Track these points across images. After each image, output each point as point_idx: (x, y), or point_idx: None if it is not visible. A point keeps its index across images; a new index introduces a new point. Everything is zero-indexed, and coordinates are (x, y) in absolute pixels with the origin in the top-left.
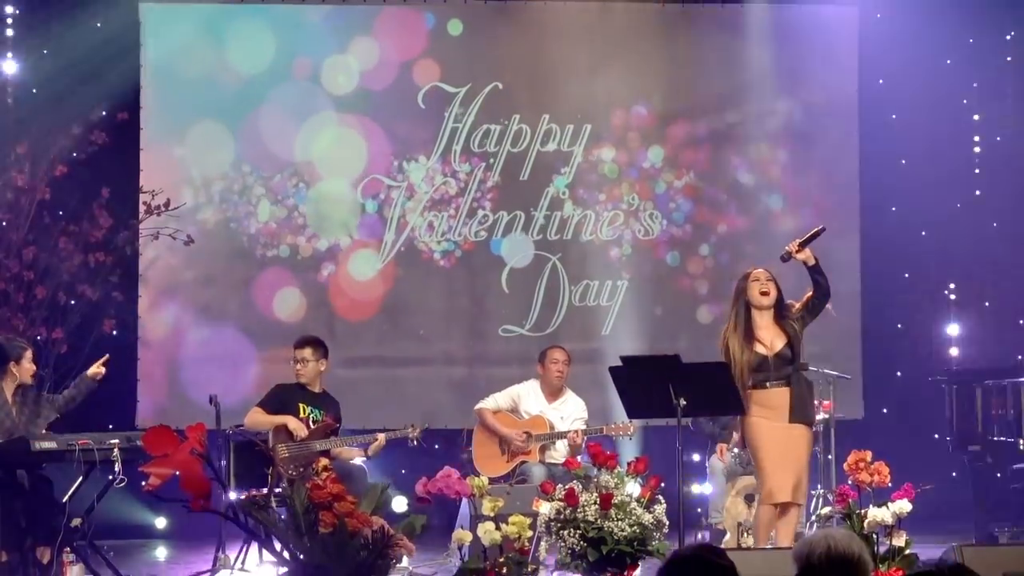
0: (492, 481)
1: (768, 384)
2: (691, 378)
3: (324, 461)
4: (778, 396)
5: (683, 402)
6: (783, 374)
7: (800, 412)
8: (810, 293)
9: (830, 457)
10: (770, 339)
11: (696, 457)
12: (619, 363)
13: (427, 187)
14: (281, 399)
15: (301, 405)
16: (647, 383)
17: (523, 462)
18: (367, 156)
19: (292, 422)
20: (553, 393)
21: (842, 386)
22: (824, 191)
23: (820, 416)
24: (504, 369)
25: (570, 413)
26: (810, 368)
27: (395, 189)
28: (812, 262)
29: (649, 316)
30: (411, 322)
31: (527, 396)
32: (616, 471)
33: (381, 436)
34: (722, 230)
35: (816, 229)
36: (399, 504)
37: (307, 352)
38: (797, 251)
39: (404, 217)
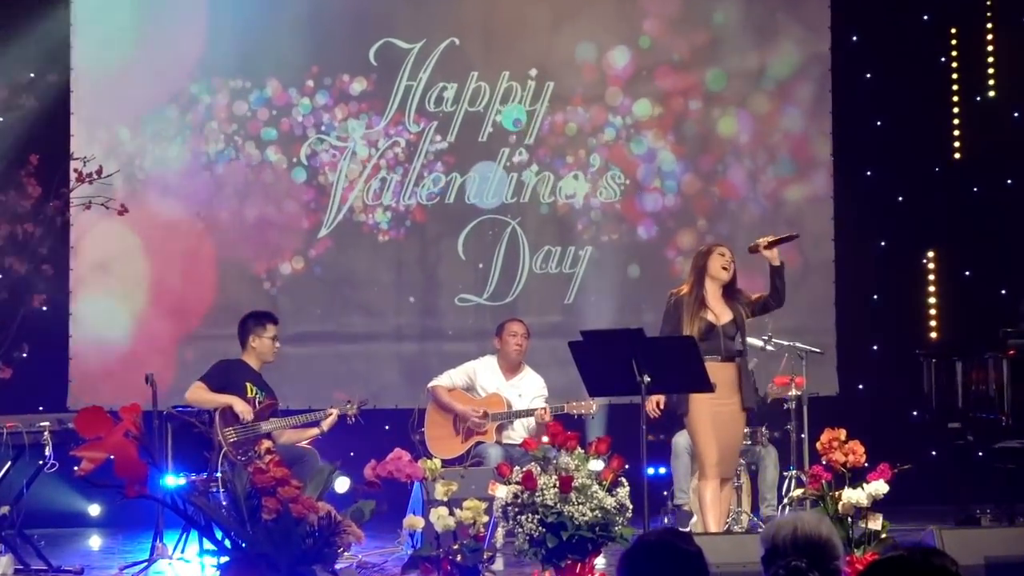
0: (445, 463)
1: (712, 357)
2: (656, 353)
3: (267, 443)
4: (722, 371)
5: (647, 379)
6: (729, 350)
7: (750, 398)
8: (764, 294)
9: (803, 436)
10: (719, 311)
11: (662, 436)
12: (580, 338)
13: (376, 149)
14: (227, 377)
15: (248, 385)
16: (609, 359)
17: (478, 443)
18: (313, 118)
19: (239, 404)
20: (511, 368)
21: (815, 361)
22: (794, 154)
23: (792, 392)
24: (458, 344)
25: (529, 390)
26: (781, 342)
27: (342, 151)
28: (777, 263)
29: (615, 286)
30: (358, 295)
31: (483, 372)
32: (577, 452)
33: (333, 410)
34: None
35: (790, 233)
36: (341, 485)
37: (278, 329)
38: (766, 247)
39: (350, 181)
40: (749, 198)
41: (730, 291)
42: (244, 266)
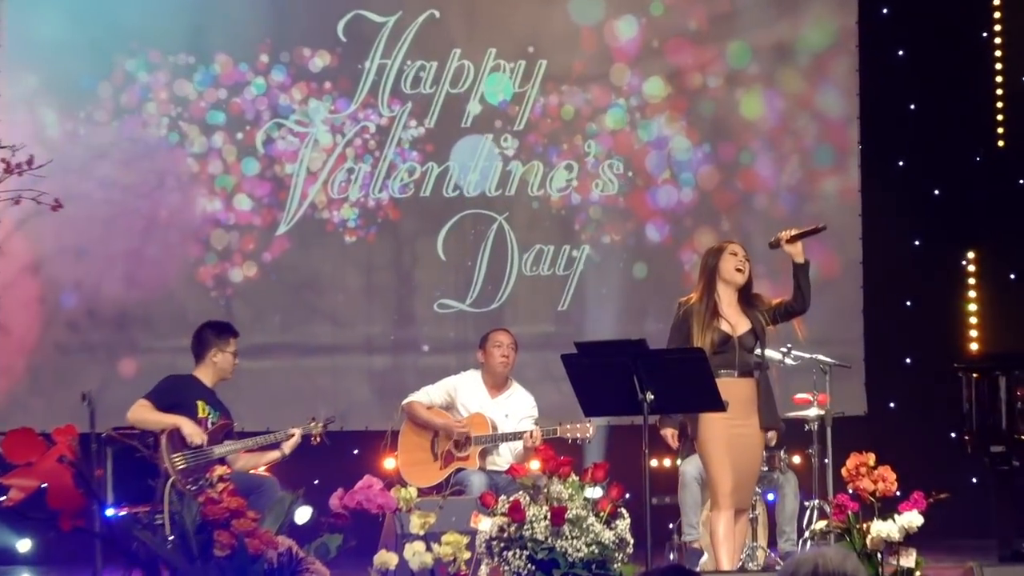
0: (422, 492)
1: (727, 371)
2: (660, 367)
3: (221, 469)
4: (739, 388)
5: (650, 396)
6: (746, 363)
7: (771, 417)
8: (785, 299)
9: (826, 461)
10: (734, 320)
11: (666, 462)
12: (574, 350)
13: (343, 136)
14: (177, 394)
15: (200, 404)
16: (607, 374)
17: (459, 469)
18: (268, 99)
19: (188, 425)
20: (497, 385)
21: (840, 376)
22: (826, 141)
23: (814, 412)
24: (437, 357)
25: (517, 410)
26: (802, 355)
27: (302, 138)
28: (801, 260)
29: (617, 292)
30: (322, 303)
31: (465, 389)
32: (570, 480)
33: (296, 430)
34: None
35: (815, 225)
36: (303, 515)
37: (236, 343)
38: (788, 242)
39: (312, 173)
40: (777, 192)
41: (746, 296)
42: (190, 269)
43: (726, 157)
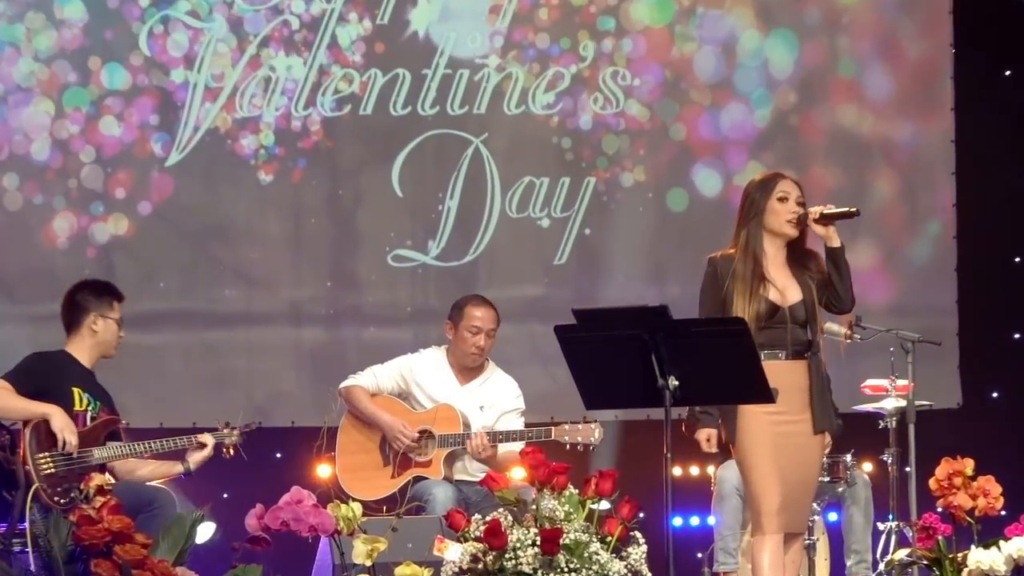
0: (369, 509)
1: (774, 352)
2: (688, 344)
3: (99, 478)
4: (789, 374)
5: (674, 383)
6: (799, 341)
7: (825, 417)
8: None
9: (908, 469)
10: (783, 284)
11: (694, 470)
12: (571, 320)
13: (254, 32)
14: (46, 377)
15: (76, 391)
16: (617, 353)
17: (418, 478)
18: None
19: (58, 418)
20: (468, 369)
21: (927, 356)
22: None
23: (892, 403)
24: (388, 329)
25: (496, 400)
26: (874, 328)
27: (197, 36)
28: (835, 243)
29: (636, 241)
30: (232, 257)
31: (426, 372)
32: (567, 493)
33: (207, 437)
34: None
35: (848, 208)
36: (204, 532)
37: (121, 308)
38: (817, 221)
39: (213, 84)
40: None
41: (798, 253)
42: (45, 215)
43: (814, 59)
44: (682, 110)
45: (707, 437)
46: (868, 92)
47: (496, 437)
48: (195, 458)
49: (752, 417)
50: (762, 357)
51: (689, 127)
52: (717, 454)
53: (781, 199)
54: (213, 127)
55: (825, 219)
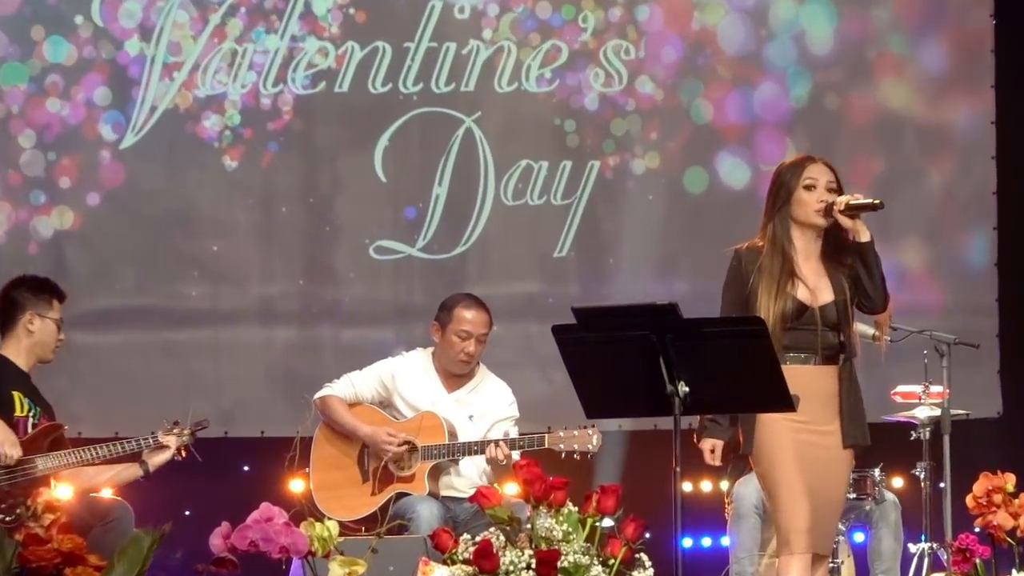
0: (346, 528)
1: (803, 356)
2: (699, 346)
3: (49, 493)
4: (818, 381)
5: (684, 389)
6: (830, 345)
7: (856, 430)
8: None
9: (942, 485)
10: (814, 282)
11: (706, 485)
12: (571, 319)
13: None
14: None
15: (17, 396)
16: (621, 355)
17: (401, 494)
18: None
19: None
20: (455, 376)
21: (964, 359)
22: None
23: (925, 412)
24: (368, 330)
25: (487, 409)
26: (906, 328)
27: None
28: (864, 238)
29: (647, 232)
30: (195, 250)
31: (409, 377)
32: (566, 510)
33: (170, 439)
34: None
35: (873, 200)
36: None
37: (61, 308)
38: (843, 212)
39: (176, 59)
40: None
41: (837, 245)
42: None
43: (855, 31)
44: (706, 88)
45: (711, 448)
46: (915, 68)
47: (483, 446)
48: (155, 459)
49: (774, 427)
50: (787, 361)
51: (715, 107)
52: (724, 467)
53: (808, 187)
54: (172, 106)
55: (850, 210)
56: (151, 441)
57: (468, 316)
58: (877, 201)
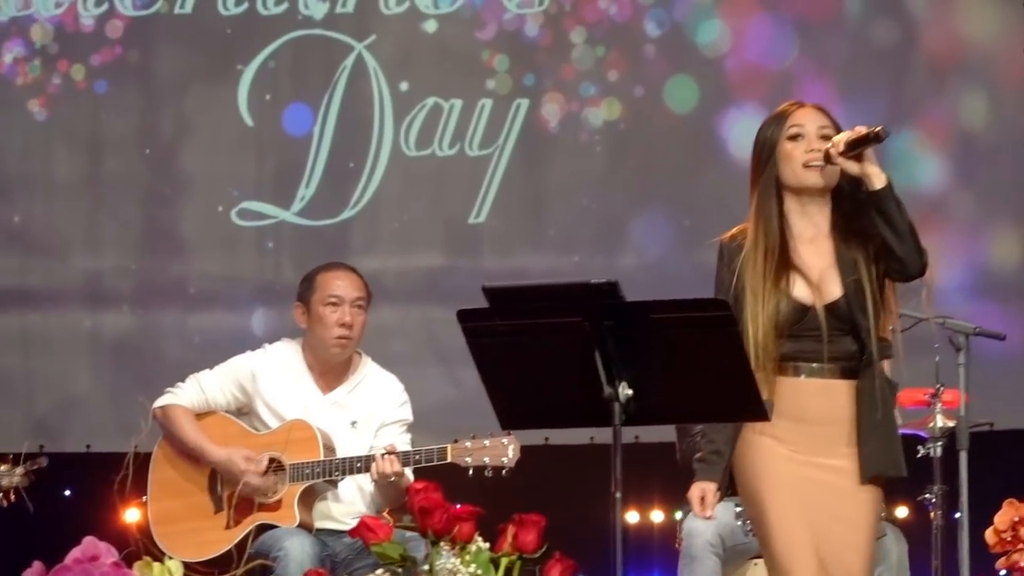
0: (193, 571)
1: (809, 367)
2: (647, 337)
3: None
4: (828, 397)
5: (627, 392)
6: (845, 353)
7: (882, 457)
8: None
9: (957, 515)
10: (818, 271)
11: (657, 515)
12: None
13: None
14: None
15: None
16: (546, 350)
17: (264, 527)
18: None
19: None
20: (332, 371)
21: (987, 355)
22: None
23: (937, 423)
24: (223, 315)
25: (372, 411)
26: (914, 315)
27: None
28: (878, 183)
29: (585, 190)
30: (2, 213)
31: (273, 376)
32: (474, 547)
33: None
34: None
35: (870, 128)
36: None
37: None
38: (843, 155)
39: None
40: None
41: (845, 218)
42: None
43: None
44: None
45: (700, 495)
46: None
47: (368, 463)
48: None
49: (762, 452)
50: (789, 373)
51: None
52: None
53: (794, 136)
54: None
55: (851, 148)
56: None
57: (334, 277)
58: (879, 128)
